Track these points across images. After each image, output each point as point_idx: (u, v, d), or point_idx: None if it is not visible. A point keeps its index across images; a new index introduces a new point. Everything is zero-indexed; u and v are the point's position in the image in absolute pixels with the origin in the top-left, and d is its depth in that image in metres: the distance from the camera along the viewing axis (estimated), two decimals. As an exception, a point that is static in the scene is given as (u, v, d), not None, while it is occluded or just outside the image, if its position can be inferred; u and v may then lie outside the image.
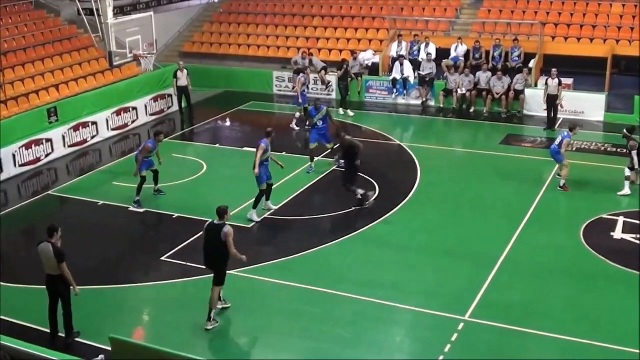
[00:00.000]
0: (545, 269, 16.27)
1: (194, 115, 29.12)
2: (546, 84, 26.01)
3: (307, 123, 23.89)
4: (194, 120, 28.72)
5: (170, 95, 29.77)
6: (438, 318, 14.39)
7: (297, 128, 26.85)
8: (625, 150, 21.10)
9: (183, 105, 29.32)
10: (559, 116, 26.42)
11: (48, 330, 13.99)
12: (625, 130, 20.75)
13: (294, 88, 30.10)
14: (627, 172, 20.02)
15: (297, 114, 26.96)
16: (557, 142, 20.48)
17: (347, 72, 29.11)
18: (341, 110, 28.68)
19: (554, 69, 25.85)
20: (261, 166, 18.53)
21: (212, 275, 14.25)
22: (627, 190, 19.98)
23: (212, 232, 13.97)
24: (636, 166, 20.01)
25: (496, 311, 14.49)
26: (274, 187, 19.37)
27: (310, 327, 14.33)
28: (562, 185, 20.45)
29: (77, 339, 13.82)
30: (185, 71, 28.49)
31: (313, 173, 22.05)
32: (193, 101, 30.17)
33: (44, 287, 13.90)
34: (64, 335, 13.89)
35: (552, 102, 25.87)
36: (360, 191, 19.58)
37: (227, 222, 14.07)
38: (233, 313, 14.73)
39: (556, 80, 25.56)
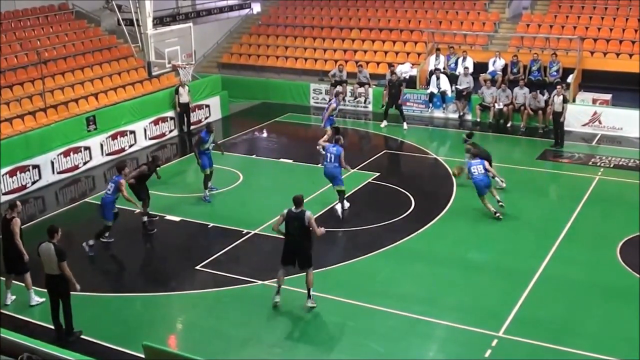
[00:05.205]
0: (580, 286, 16.11)
1: (191, 135, 28.00)
2: (552, 100, 25.73)
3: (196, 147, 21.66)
4: (189, 144, 27.20)
5: (207, 106, 30.00)
6: (472, 334, 14.28)
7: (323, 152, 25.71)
8: None
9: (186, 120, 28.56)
10: (599, 132, 26.14)
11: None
12: (464, 136, 21.76)
13: (330, 100, 30.03)
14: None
15: (325, 137, 25.10)
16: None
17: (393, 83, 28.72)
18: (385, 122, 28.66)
19: (559, 86, 25.62)
20: None
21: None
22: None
23: (295, 220, 14.71)
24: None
25: (530, 328, 14.35)
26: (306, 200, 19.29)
27: (343, 340, 14.31)
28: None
29: (81, 336, 14.10)
30: (186, 87, 28.26)
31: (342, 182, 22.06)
32: (231, 112, 30.30)
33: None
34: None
35: (556, 119, 25.47)
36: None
37: (305, 209, 14.75)
38: (266, 323, 14.76)
39: (561, 97, 25.15)
